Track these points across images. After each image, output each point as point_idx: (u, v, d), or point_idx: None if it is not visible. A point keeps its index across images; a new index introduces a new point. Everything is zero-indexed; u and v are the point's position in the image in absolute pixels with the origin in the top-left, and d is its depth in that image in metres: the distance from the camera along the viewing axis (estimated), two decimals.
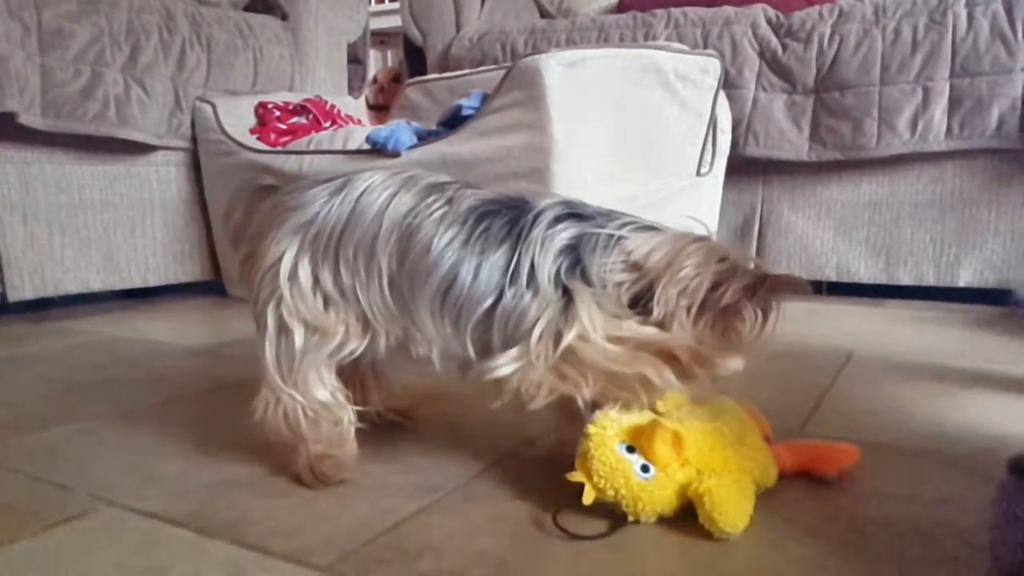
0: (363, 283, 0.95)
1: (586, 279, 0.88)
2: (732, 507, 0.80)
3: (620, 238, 0.89)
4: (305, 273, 0.96)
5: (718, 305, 0.85)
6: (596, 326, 0.86)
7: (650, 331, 0.87)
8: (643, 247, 0.88)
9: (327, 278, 0.96)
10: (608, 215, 0.94)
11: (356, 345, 0.98)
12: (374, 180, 0.98)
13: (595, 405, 0.88)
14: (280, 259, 0.97)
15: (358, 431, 1.01)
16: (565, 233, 0.90)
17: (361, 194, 0.97)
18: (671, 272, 0.86)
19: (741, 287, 0.85)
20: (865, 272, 2.32)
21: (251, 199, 1.08)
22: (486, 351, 0.92)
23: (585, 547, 0.80)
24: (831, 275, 2.36)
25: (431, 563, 0.78)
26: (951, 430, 1.16)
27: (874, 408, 1.26)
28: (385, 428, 1.14)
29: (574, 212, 0.93)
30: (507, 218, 0.93)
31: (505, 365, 0.87)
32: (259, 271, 0.98)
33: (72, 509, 0.92)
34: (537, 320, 0.87)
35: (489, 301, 0.90)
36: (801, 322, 1.93)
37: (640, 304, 0.88)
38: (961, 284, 2.22)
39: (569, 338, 0.85)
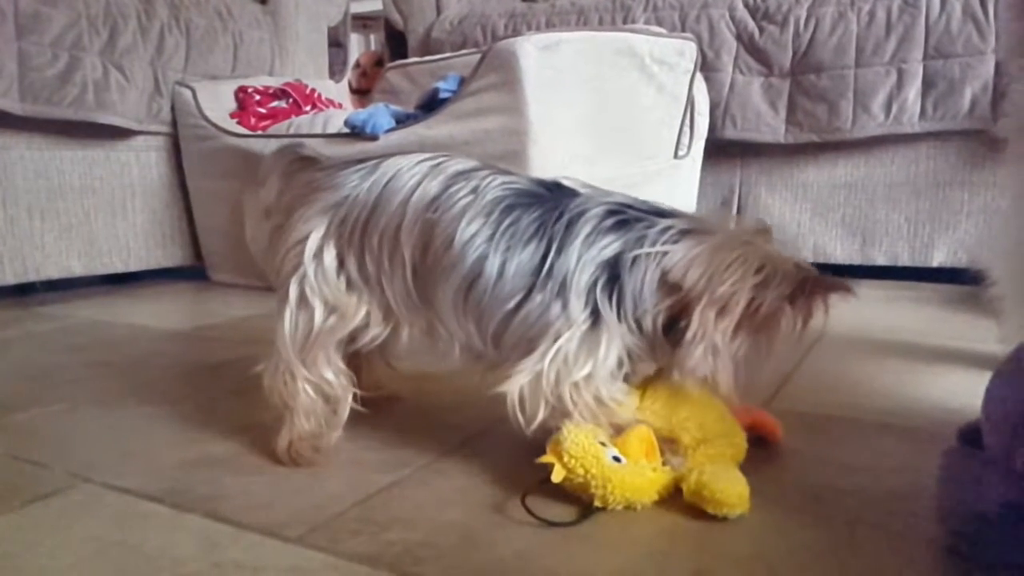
0: (387, 273, 0.95)
1: (620, 300, 0.86)
2: (728, 484, 0.81)
3: (661, 254, 0.85)
4: (330, 256, 0.97)
5: (754, 319, 0.83)
6: (605, 375, 0.87)
7: (629, 417, 0.89)
8: (681, 263, 0.84)
9: (352, 264, 0.97)
10: (653, 218, 0.89)
11: (378, 332, 0.98)
12: (403, 165, 0.97)
13: None
14: (307, 238, 0.97)
15: None
16: (607, 249, 0.87)
17: (389, 179, 0.96)
18: (708, 294, 0.83)
19: (779, 296, 0.83)
20: (841, 253, 2.35)
21: (287, 169, 1.08)
22: (501, 347, 0.92)
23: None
24: (807, 256, 2.37)
25: (399, 533, 0.79)
26: (914, 404, 1.18)
27: (840, 384, 1.29)
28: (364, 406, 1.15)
29: (619, 218, 0.89)
30: (537, 212, 0.90)
31: (513, 381, 0.87)
32: (285, 245, 0.99)
33: (50, 486, 0.94)
34: (557, 336, 0.86)
35: (514, 302, 0.89)
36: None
37: (675, 326, 0.86)
38: (935, 264, 2.24)
39: (578, 376, 0.86)
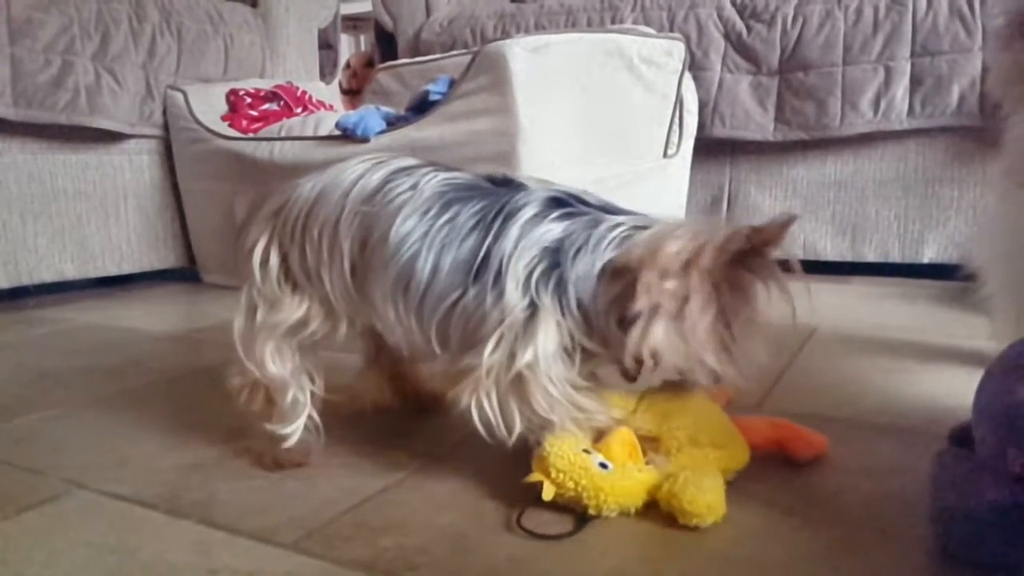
0: (327, 265, 0.94)
1: (561, 289, 0.83)
2: (699, 492, 0.79)
3: (610, 243, 0.83)
4: (275, 260, 0.97)
5: (709, 285, 0.79)
6: (548, 360, 0.83)
7: (587, 403, 0.86)
8: (626, 249, 0.82)
9: (295, 258, 0.96)
10: (602, 212, 0.87)
11: (316, 327, 0.98)
12: (348, 163, 0.98)
13: None
14: (255, 246, 0.98)
15: (324, 417, 1.01)
16: (547, 234, 0.85)
17: (332, 177, 0.97)
18: (651, 262, 0.79)
19: (724, 251, 0.78)
20: (832, 250, 2.36)
21: None
22: (448, 345, 0.90)
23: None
24: (798, 253, 2.32)
25: (394, 539, 0.80)
26: (906, 403, 1.19)
27: (832, 383, 1.29)
28: (415, 412, 1.16)
29: (563, 208, 0.87)
30: (478, 206, 0.88)
31: (464, 392, 0.85)
32: (242, 256, 1.00)
33: (45, 493, 0.94)
34: (496, 328, 0.84)
35: (451, 299, 0.87)
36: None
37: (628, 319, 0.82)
38: (925, 260, 2.25)
39: (521, 364, 0.83)
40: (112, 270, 2.45)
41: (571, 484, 0.82)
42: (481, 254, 0.86)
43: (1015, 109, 1.00)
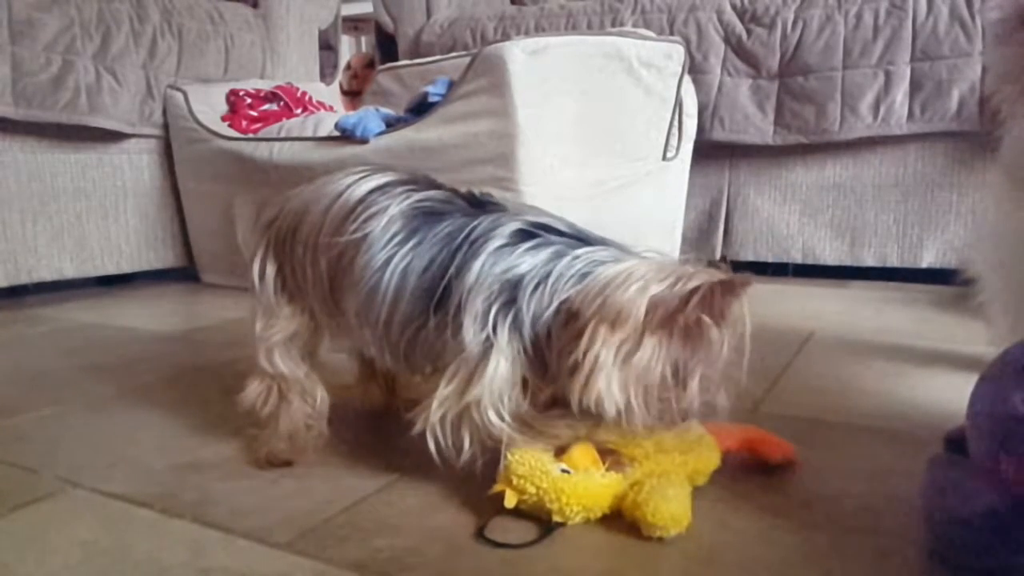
0: (310, 279, 0.96)
1: (517, 326, 0.82)
2: (663, 503, 0.78)
3: (568, 280, 0.82)
4: (271, 271, 1.00)
5: (662, 330, 0.78)
6: (494, 396, 0.83)
7: (540, 429, 0.86)
8: (581, 292, 0.80)
9: (288, 270, 0.99)
10: (572, 240, 0.86)
11: (305, 337, 1.00)
12: (335, 176, 0.99)
13: None
14: (254, 257, 1.01)
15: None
16: (511, 269, 0.83)
17: (316, 191, 0.98)
18: (600, 311, 0.78)
19: (682, 299, 0.76)
20: (830, 254, 2.36)
21: None
22: (412, 366, 0.92)
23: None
24: (797, 257, 2.39)
25: (387, 540, 0.80)
26: (903, 408, 1.19)
27: (829, 386, 1.29)
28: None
29: (531, 240, 0.85)
30: (444, 232, 0.88)
31: (419, 418, 0.86)
32: (247, 264, 1.02)
33: (39, 491, 0.94)
34: (452, 360, 0.84)
35: (414, 326, 0.88)
36: (766, 303, 1.96)
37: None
38: (924, 265, 2.25)
39: (469, 398, 0.83)
40: (111, 269, 2.46)
41: (532, 488, 0.81)
42: (443, 284, 0.86)
43: (1013, 106, 1.00)
